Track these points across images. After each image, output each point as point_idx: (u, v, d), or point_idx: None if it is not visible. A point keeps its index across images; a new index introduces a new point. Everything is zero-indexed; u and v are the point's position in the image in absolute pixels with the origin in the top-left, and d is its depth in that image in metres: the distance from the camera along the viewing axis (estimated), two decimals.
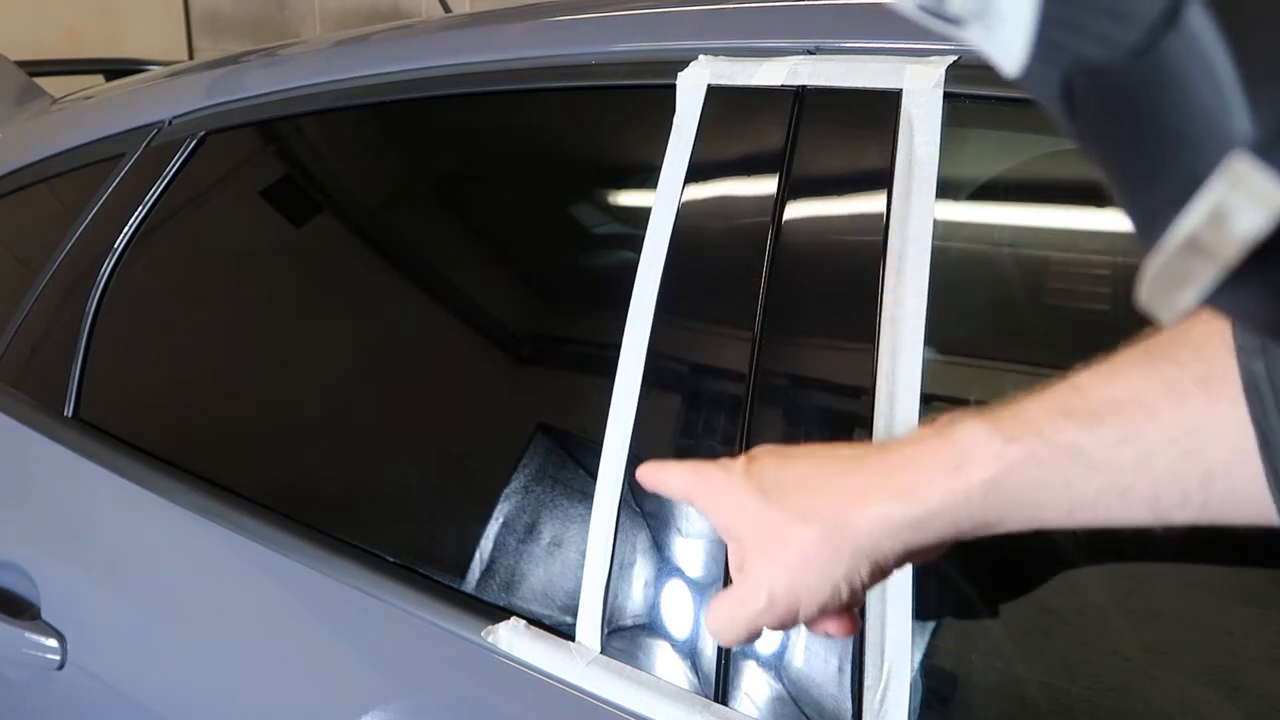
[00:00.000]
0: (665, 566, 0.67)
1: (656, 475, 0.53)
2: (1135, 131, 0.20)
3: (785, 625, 0.46)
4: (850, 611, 0.47)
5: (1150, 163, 0.19)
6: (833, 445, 0.48)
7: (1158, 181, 0.20)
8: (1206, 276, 0.19)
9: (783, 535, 0.45)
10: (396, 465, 0.87)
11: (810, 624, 0.47)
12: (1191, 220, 0.18)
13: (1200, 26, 0.17)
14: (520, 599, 0.73)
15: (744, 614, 0.46)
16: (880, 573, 0.44)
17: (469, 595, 0.75)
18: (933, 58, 0.67)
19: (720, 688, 0.64)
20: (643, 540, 0.68)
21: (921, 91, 0.65)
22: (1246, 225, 0.17)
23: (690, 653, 0.66)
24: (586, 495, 0.70)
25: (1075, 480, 0.39)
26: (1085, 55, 0.20)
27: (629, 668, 0.67)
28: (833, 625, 0.48)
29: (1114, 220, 0.62)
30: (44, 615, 0.97)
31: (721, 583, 0.65)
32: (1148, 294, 0.20)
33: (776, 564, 0.45)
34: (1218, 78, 0.17)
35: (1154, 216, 0.20)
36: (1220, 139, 0.17)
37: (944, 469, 0.41)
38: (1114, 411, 0.38)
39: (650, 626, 0.67)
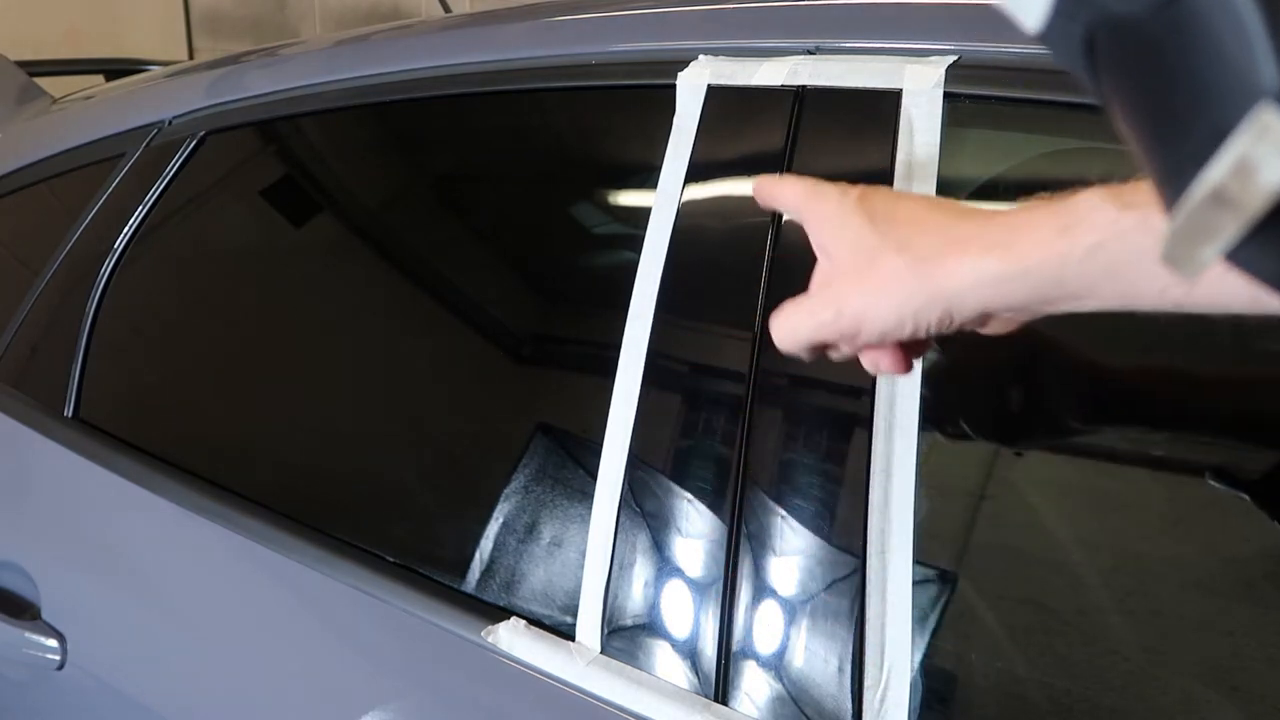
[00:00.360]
0: (665, 566, 0.67)
1: (771, 187, 0.54)
2: (1160, 86, 0.19)
3: (844, 340, 0.47)
4: (906, 352, 0.48)
5: (1175, 117, 0.19)
6: (951, 199, 0.48)
7: (1183, 136, 0.19)
8: (1231, 229, 0.19)
9: (873, 259, 0.45)
10: (396, 465, 0.87)
11: (864, 350, 0.48)
12: (1217, 172, 0.18)
13: None
14: (520, 599, 0.73)
15: (809, 322, 0.47)
16: (949, 322, 0.44)
17: (469, 595, 0.75)
18: (933, 58, 0.67)
19: (720, 688, 0.64)
20: (643, 540, 0.68)
21: (921, 91, 0.65)
22: (1273, 176, 0.17)
23: (690, 653, 0.66)
24: (586, 495, 0.70)
25: None
26: (1109, 7, 0.20)
27: (629, 668, 0.67)
28: (885, 359, 0.48)
29: None
30: (44, 615, 0.97)
31: (721, 585, 0.65)
32: (1170, 250, 0.20)
33: (856, 283, 0.46)
34: (1245, 27, 0.17)
35: (1179, 171, 0.20)
36: (1248, 90, 0.17)
37: (1051, 230, 0.41)
38: None
39: (650, 626, 0.67)
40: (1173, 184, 0.20)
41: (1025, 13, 0.22)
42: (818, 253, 0.50)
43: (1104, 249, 0.39)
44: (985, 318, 0.44)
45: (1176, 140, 0.20)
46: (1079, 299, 0.41)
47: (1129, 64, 0.20)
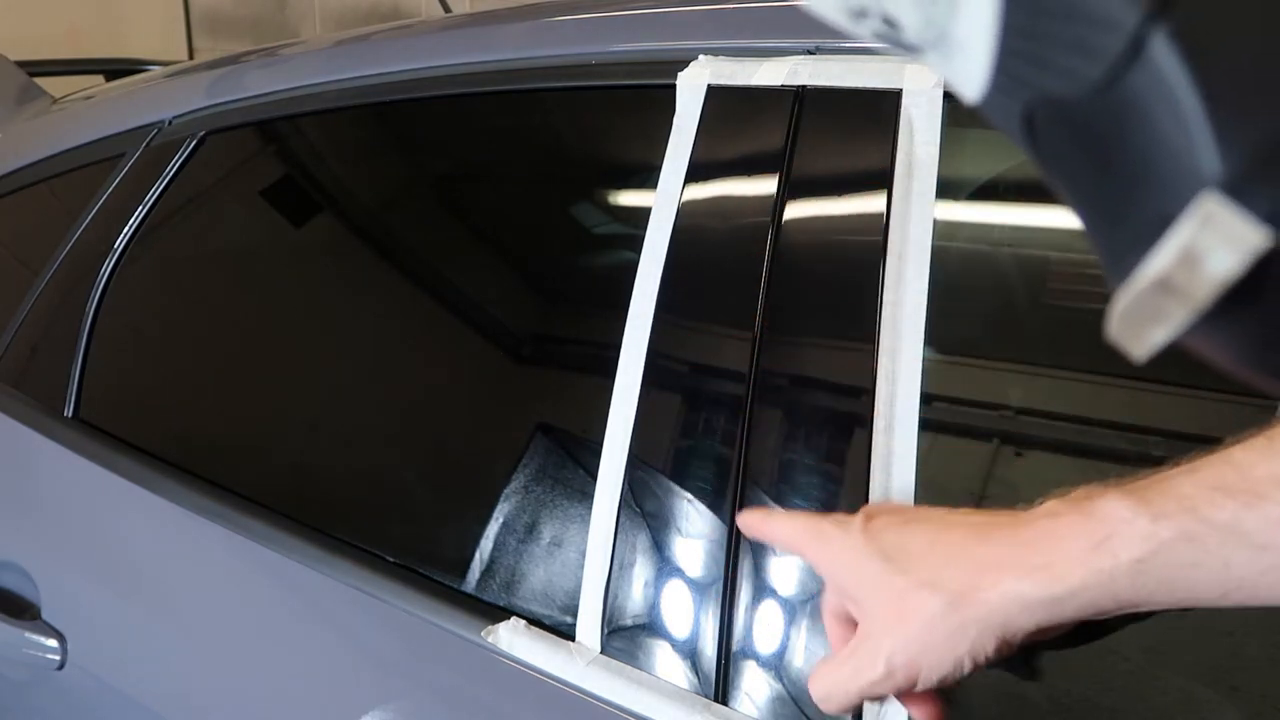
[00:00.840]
0: (665, 566, 0.67)
1: (762, 525, 0.51)
2: (1101, 165, 0.18)
3: (899, 694, 0.44)
4: (937, 697, 0.45)
5: (1117, 198, 0.18)
6: (953, 510, 0.46)
7: (1126, 217, 0.19)
8: (1178, 316, 0.18)
9: (906, 603, 0.43)
10: (396, 465, 0.87)
11: (915, 700, 0.45)
12: (1162, 261, 0.17)
13: (1166, 60, 0.16)
14: (520, 599, 0.73)
15: (858, 682, 0.44)
16: (1006, 649, 0.42)
17: (469, 595, 0.75)
18: None
19: (720, 688, 0.64)
20: (643, 540, 0.68)
21: (921, 91, 0.65)
22: (1219, 267, 0.16)
23: (690, 653, 0.66)
24: (586, 495, 0.70)
25: (1235, 561, 0.36)
26: (1047, 88, 0.19)
27: (629, 668, 0.67)
28: (918, 708, 0.46)
29: None
30: (44, 615, 0.97)
31: (721, 585, 0.65)
32: (1118, 329, 0.19)
33: (898, 633, 0.43)
34: (1185, 113, 0.16)
35: (1122, 252, 0.19)
36: (1189, 177, 0.16)
37: (1085, 546, 0.39)
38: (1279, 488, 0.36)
39: (650, 626, 0.67)
40: (1117, 265, 0.20)
41: (964, 85, 0.21)
42: (836, 595, 0.48)
43: (1148, 564, 0.38)
44: (1045, 631, 0.42)
45: (1119, 222, 0.19)
46: (1136, 606, 0.39)
47: (1069, 143, 0.19)
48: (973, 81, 0.20)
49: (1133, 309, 0.19)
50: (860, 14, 0.22)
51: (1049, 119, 0.19)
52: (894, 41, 0.21)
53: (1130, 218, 0.18)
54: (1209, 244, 0.16)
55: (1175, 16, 0.15)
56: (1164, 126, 0.16)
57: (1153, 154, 0.17)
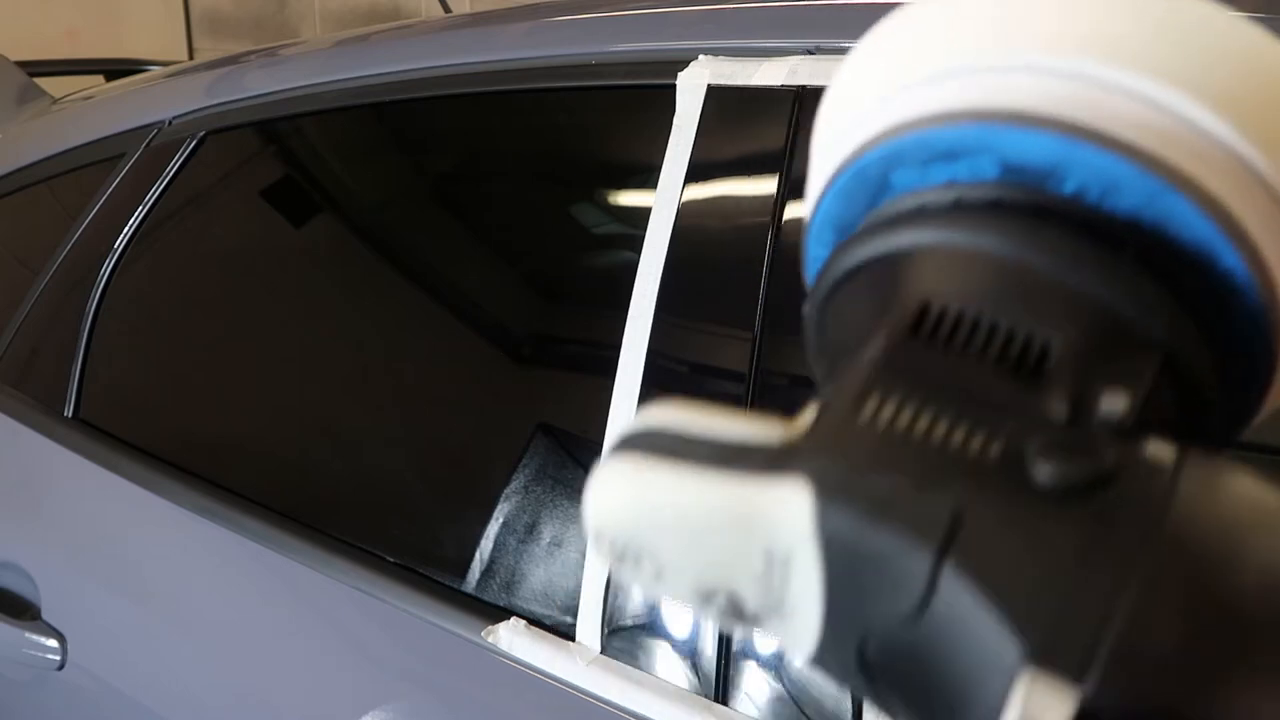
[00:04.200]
0: None
1: None
2: (931, 686, 0.19)
3: None
4: None
5: (951, 711, 0.19)
6: None
7: None
8: None
9: None
10: (396, 465, 0.87)
11: None
12: None
13: (956, 590, 0.17)
14: (520, 599, 0.73)
15: None
16: None
17: (469, 595, 0.75)
18: None
19: (720, 688, 0.64)
20: None
21: None
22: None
23: (690, 653, 0.66)
24: None
25: None
26: (871, 626, 0.19)
27: (629, 668, 0.67)
28: None
29: None
30: (44, 615, 0.97)
31: None
32: None
33: None
34: (984, 624, 0.17)
35: None
36: (1006, 664, 0.16)
37: None
38: None
39: (650, 626, 0.67)
40: None
41: (796, 646, 0.21)
42: None
43: None
44: None
45: None
46: None
47: (900, 671, 0.20)
48: (807, 638, 0.21)
49: None
50: (709, 596, 0.22)
51: (878, 654, 0.20)
52: (738, 616, 0.22)
53: None
54: (1038, 707, 0.16)
55: (958, 550, 0.17)
56: (972, 633, 0.17)
57: (971, 662, 0.18)
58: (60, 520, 1.02)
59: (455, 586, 0.76)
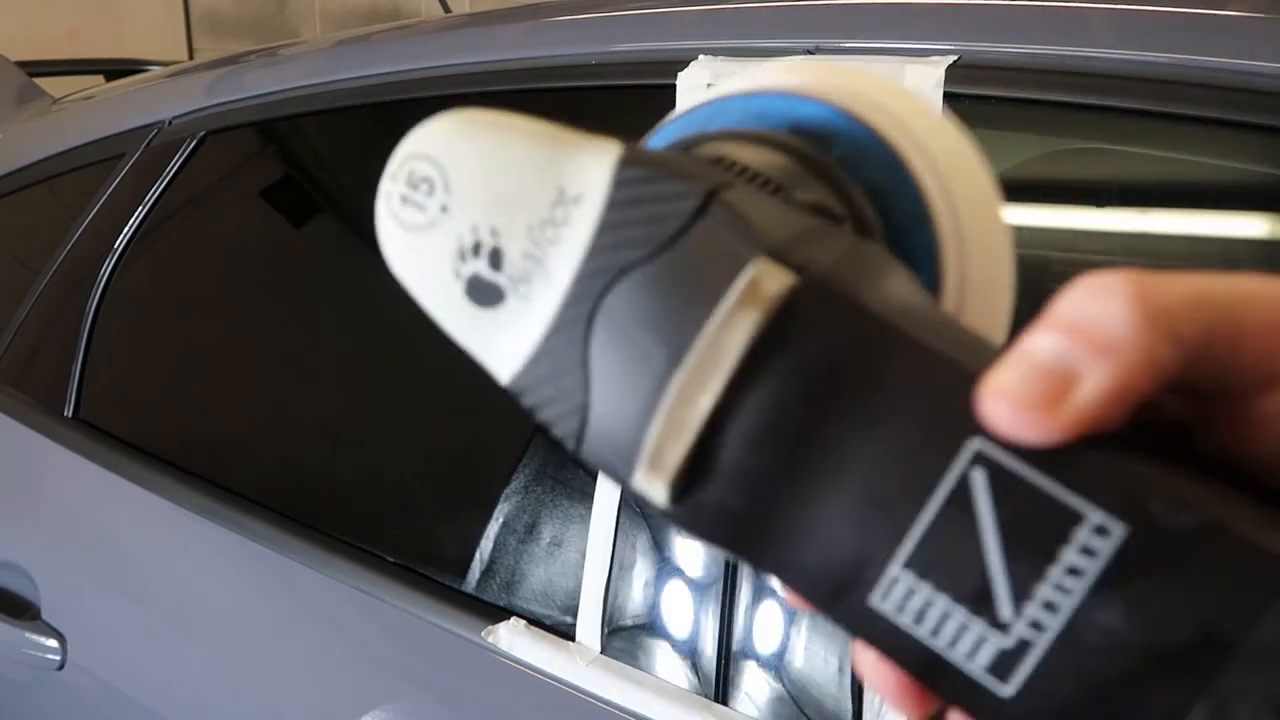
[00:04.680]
0: (665, 566, 0.67)
1: None
2: (660, 316, 0.23)
3: None
4: None
5: (676, 330, 0.24)
6: None
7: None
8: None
9: None
10: (397, 465, 0.87)
11: None
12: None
13: (717, 217, 0.24)
14: (520, 599, 0.73)
15: None
16: None
17: (469, 595, 0.75)
18: (933, 58, 0.67)
19: (720, 688, 0.64)
20: (643, 540, 0.68)
21: (922, 91, 0.65)
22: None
23: (690, 653, 0.66)
24: (586, 495, 0.70)
25: None
26: (617, 271, 0.24)
27: (629, 668, 0.67)
28: None
29: (1114, 220, 0.62)
30: (44, 615, 0.97)
31: (721, 585, 0.65)
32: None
33: None
34: (731, 242, 0.23)
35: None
36: (737, 266, 0.23)
37: None
38: None
39: (650, 626, 0.67)
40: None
41: (525, 331, 0.25)
42: None
43: None
44: None
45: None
46: None
47: (625, 321, 0.24)
48: (546, 310, 0.24)
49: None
50: (475, 247, 0.25)
51: (622, 297, 0.23)
52: (492, 274, 0.25)
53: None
54: (759, 289, 0.22)
55: (722, 196, 0.23)
56: (717, 256, 0.23)
57: (705, 286, 0.23)
58: (60, 520, 1.02)
59: (455, 586, 0.76)
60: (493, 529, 0.76)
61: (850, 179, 0.27)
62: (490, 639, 0.71)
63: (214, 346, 1.03)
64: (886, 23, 0.71)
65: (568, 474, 0.74)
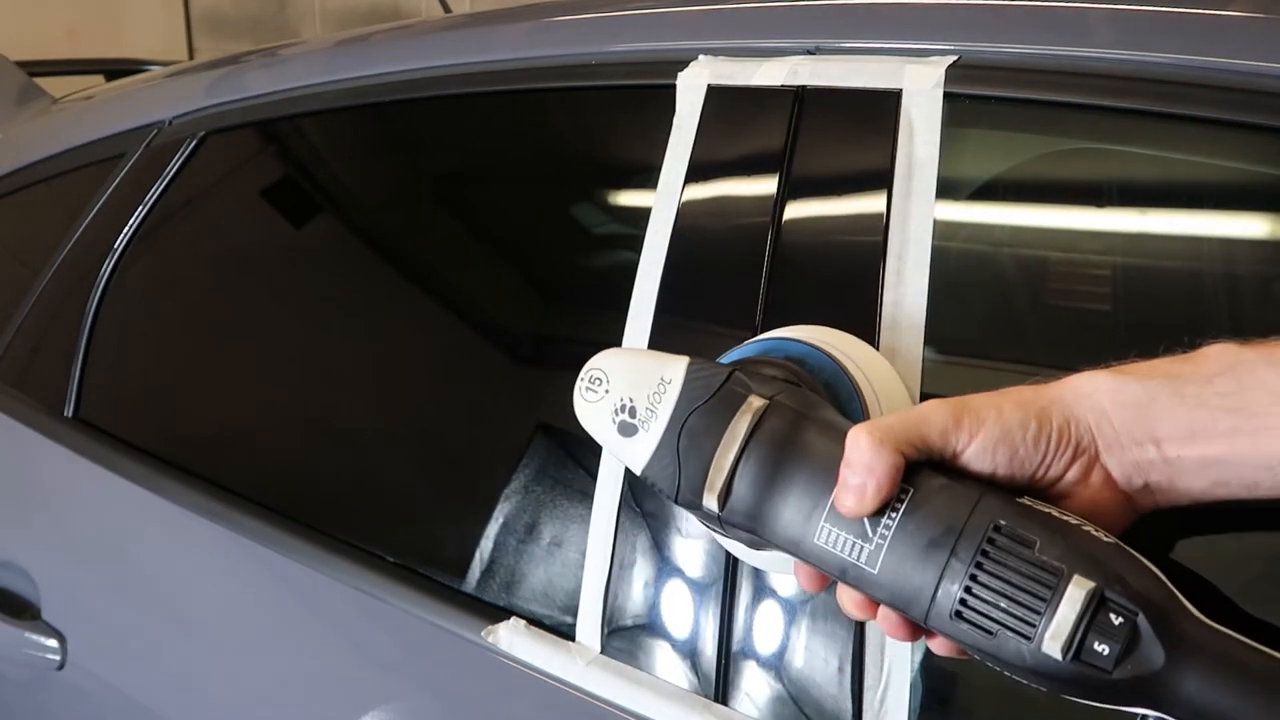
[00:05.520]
0: (665, 566, 0.67)
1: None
2: (707, 432, 0.51)
3: None
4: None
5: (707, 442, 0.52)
6: None
7: None
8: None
9: None
10: (396, 465, 0.87)
11: None
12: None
13: (735, 383, 0.53)
14: (520, 599, 0.73)
15: None
16: None
17: (469, 595, 0.75)
18: (933, 58, 0.67)
19: (720, 688, 0.64)
20: (643, 540, 0.68)
21: (921, 91, 0.65)
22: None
23: (690, 653, 0.66)
24: (586, 495, 0.70)
25: None
26: (687, 415, 0.52)
27: (629, 668, 0.67)
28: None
29: (1114, 220, 0.62)
30: (44, 615, 0.97)
31: (721, 585, 0.65)
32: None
33: None
34: (735, 390, 0.52)
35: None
36: (744, 402, 0.52)
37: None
38: None
39: (650, 626, 0.67)
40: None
41: (646, 447, 0.53)
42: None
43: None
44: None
45: None
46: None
47: (692, 437, 0.52)
48: (656, 433, 0.52)
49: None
50: (621, 405, 0.53)
51: (693, 421, 0.52)
52: (630, 417, 0.53)
53: None
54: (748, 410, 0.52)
55: (734, 376, 0.53)
56: (731, 397, 0.52)
57: (728, 408, 0.52)
58: (60, 520, 1.02)
59: (455, 586, 0.76)
60: (493, 529, 0.76)
61: (808, 373, 0.56)
62: (490, 639, 0.71)
63: (214, 346, 1.03)
64: (886, 23, 0.71)
65: (568, 474, 0.74)
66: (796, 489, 0.48)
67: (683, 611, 0.66)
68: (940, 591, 0.43)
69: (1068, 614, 0.41)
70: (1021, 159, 0.67)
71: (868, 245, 0.64)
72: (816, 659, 0.61)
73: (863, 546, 0.46)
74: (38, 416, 1.06)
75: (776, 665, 0.63)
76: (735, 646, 0.64)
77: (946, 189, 0.63)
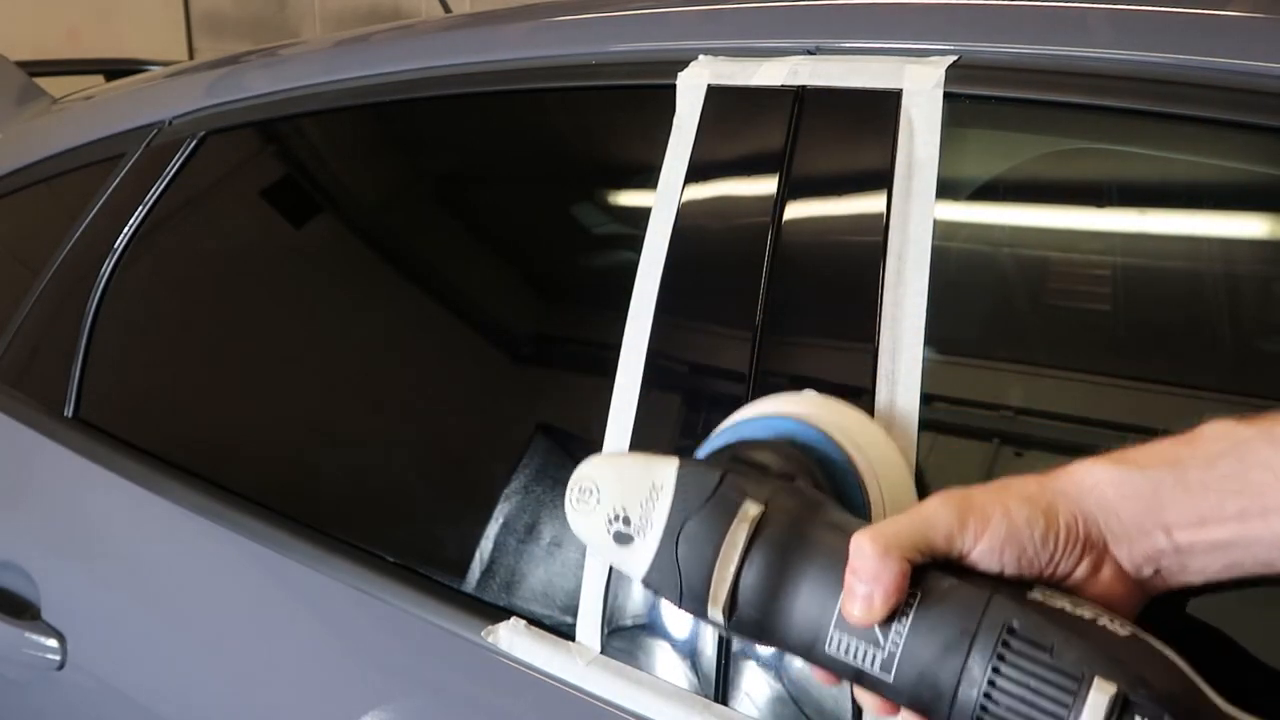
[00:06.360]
0: None
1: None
2: (704, 537, 0.50)
3: None
4: None
5: (707, 549, 0.51)
6: None
7: None
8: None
9: None
10: (397, 465, 0.87)
11: None
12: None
13: (729, 486, 0.52)
14: (520, 599, 0.73)
15: None
16: None
17: (469, 595, 0.75)
18: (933, 58, 0.67)
19: (720, 688, 0.64)
20: None
21: (921, 91, 0.65)
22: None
23: (690, 653, 0.66)
24: None
25: None
26: (684, 520, 0.51)
27: (629, 668, 0.67)
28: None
29: (1114, 220, 0.62)
30: (44, 615, 0.97)
31: None
32: None
33: None
34: (732, 495, 0.51)
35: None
36: (738, 511, 0.51)
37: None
38: None
39: (650, 626, 0.67)
40: None
41: (643, 556, 0.52)
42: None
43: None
44: None
45: None
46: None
47: (691, 543, 0.52)
48: (653, 541, 0.51)
49: None
50: (615, 515, 0.52)
51: (689, 528, 0.51)
52: (624, 527, 0.53)
53: None
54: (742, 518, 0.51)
55: (728, 478, 0.52)
56: (728, 502, 0.50)
57: (722, 517, 0.50)
58: (60, 520, 1.02)
59: (455, 586, 0.76)
60: (493, 529, 0.76)
61: (803, 454, 0.54)
62: (490, 639, 0.71)
63: (214, 346, 1.03)
64: (886, 23, 0.71)
65: (568, 474, 0.74)
66: (802, 597, 0.47)
67: (683, 612, 0.66)
68: (960, 695, 0.43)
69: None
70: (1021, 159, 0.67)
71: (868, 245, 0.64)
72: None
73: (875, 654, 0.45)
74: (38, 416, 1.06)
75: (776, 665, 0.63)
76: (735, 646, 0.64)
77: (946, 189, 0.63)
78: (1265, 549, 0.43)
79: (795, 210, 0.68)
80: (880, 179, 0.64)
